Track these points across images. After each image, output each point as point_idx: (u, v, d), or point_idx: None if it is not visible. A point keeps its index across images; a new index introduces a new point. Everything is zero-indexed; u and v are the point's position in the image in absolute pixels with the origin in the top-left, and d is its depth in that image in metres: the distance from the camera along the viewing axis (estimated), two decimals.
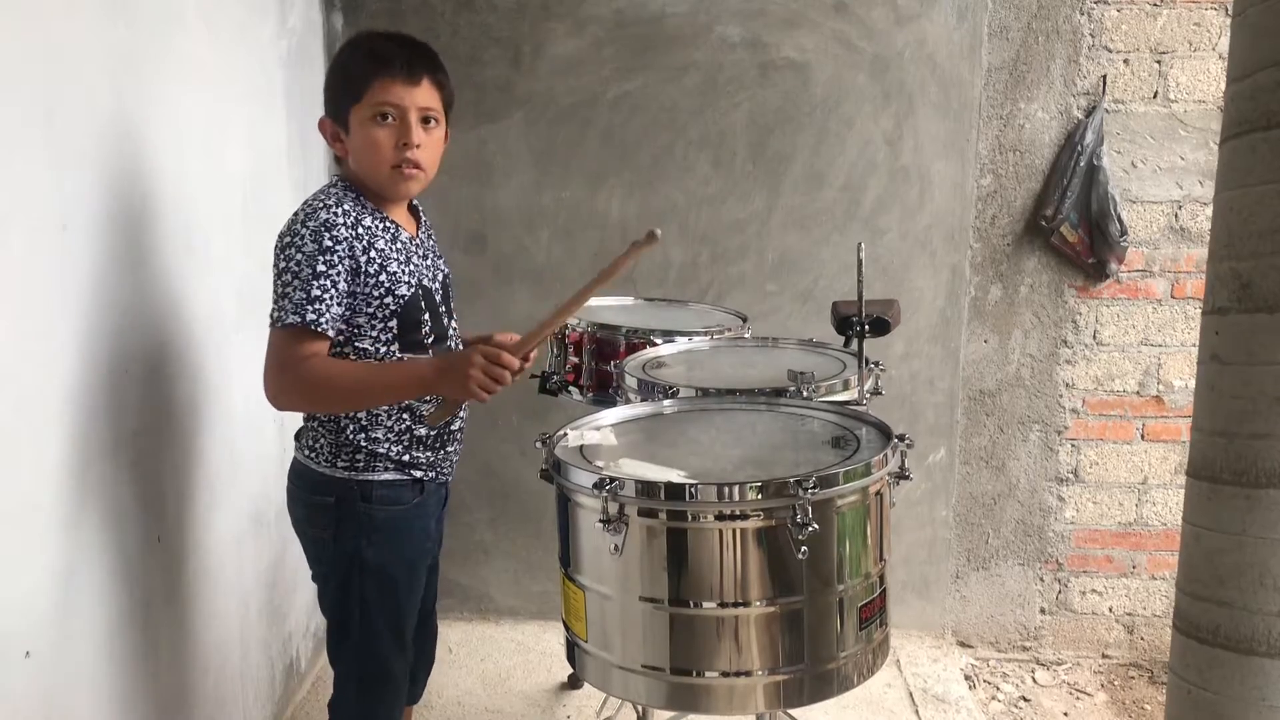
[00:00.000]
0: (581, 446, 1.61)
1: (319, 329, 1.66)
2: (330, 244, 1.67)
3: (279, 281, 1.69)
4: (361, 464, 1.78)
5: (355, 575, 1.80)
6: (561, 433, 1.65)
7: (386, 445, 1.79)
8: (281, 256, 1.69)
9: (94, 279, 1.69)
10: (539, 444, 1.58)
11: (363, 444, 1.77)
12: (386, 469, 1.80)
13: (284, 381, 1.68)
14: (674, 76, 2.98)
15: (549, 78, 3.00)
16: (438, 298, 1.86)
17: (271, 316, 1.68)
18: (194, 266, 2.08)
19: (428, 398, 1.80)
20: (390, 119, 1.73)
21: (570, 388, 2.35)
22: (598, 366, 2.29)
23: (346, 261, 1.68)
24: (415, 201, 1.94)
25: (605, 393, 2.24)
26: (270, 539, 2.56)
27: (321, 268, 1.66)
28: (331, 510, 1.79)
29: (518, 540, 3.24)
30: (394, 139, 1.73)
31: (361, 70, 1.73)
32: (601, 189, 3.04)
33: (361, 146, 1.75)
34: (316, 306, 1.65)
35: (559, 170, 3.04)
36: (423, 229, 1.92)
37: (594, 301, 2.63)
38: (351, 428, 1.78)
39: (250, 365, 2.37)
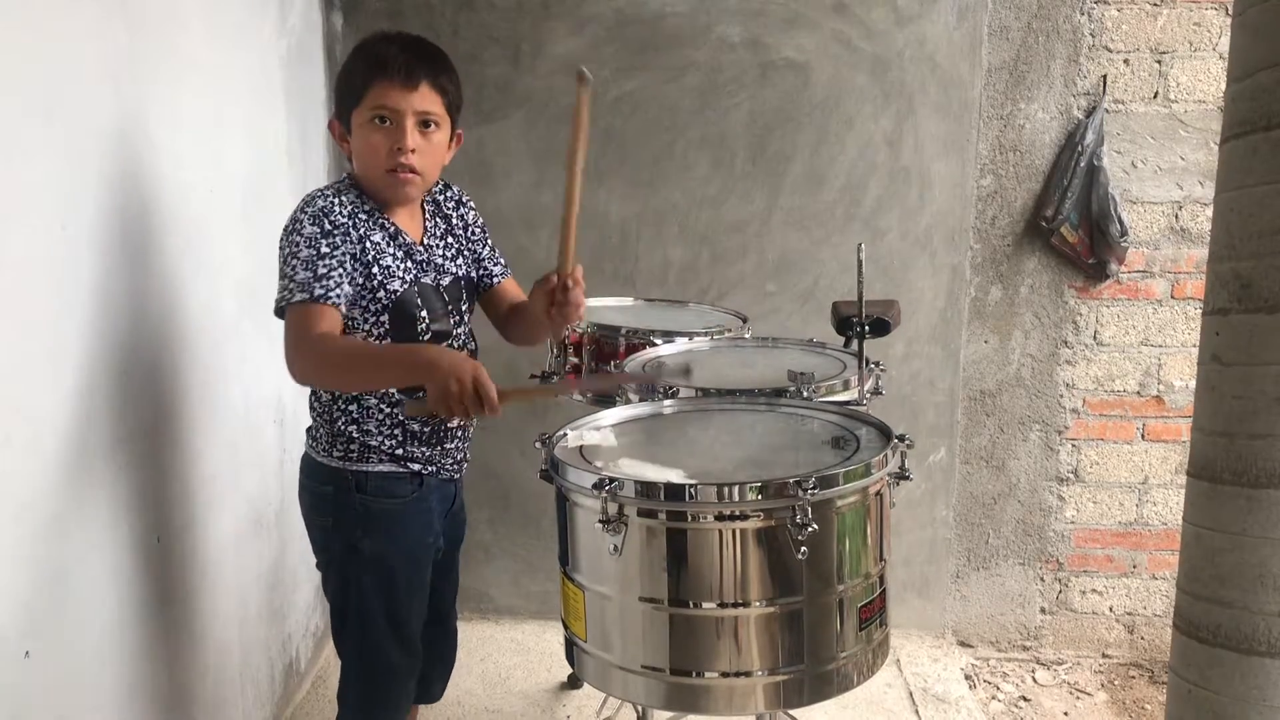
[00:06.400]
0: (581, 446, 1.61)
1: (328, 301, 1.65)
2: (330, 227, 1.69)
3: (285, 267, 1.69)
4: (355, 454, 1.80)
5: (352, 565, 1.82)
6: (561, 433, 1.65)
7: (379, 438, 1.80)
8: (285, 243, 1.71)
9: (93, 279, 1.69)
10: (539, 444, 1.58)
11: (355, 435, 1.79)
12: (381, 461, 1.81)
13: (303, 352, 1.66)
14: (674, 76, 2.98)
15: (549, 78, 3.00)
16: (445, 297, 1.86)
17: (277, 301, 1.69)
18: (194, 266, 2.08)
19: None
20: (387, 122, 1.73)
21: None
22: (598, 367, 2.29)
23: (346, 244, 1.70)
24: (435, 193, 1.94)
25: (605, 393, 2.24)
26: (270, 539, 2.56)
27: (325, 249, 1.67)
28: (330, 500, 1.82)
29: (518, 540, 3.24)
30: (389, 143, 1.73)
31: (361, 73, 1.74)
32: (601, 189, 3.04)
33: (359, 149, 1.77)
34: (324, 283, 1.66)
35: (559, 170, 3.03)
36: (429, 234, 1.89)
37: (593, 302, 2.65)
38: (343, 420, 1.80)
39: (250, 364, 2.38)
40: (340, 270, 1.68)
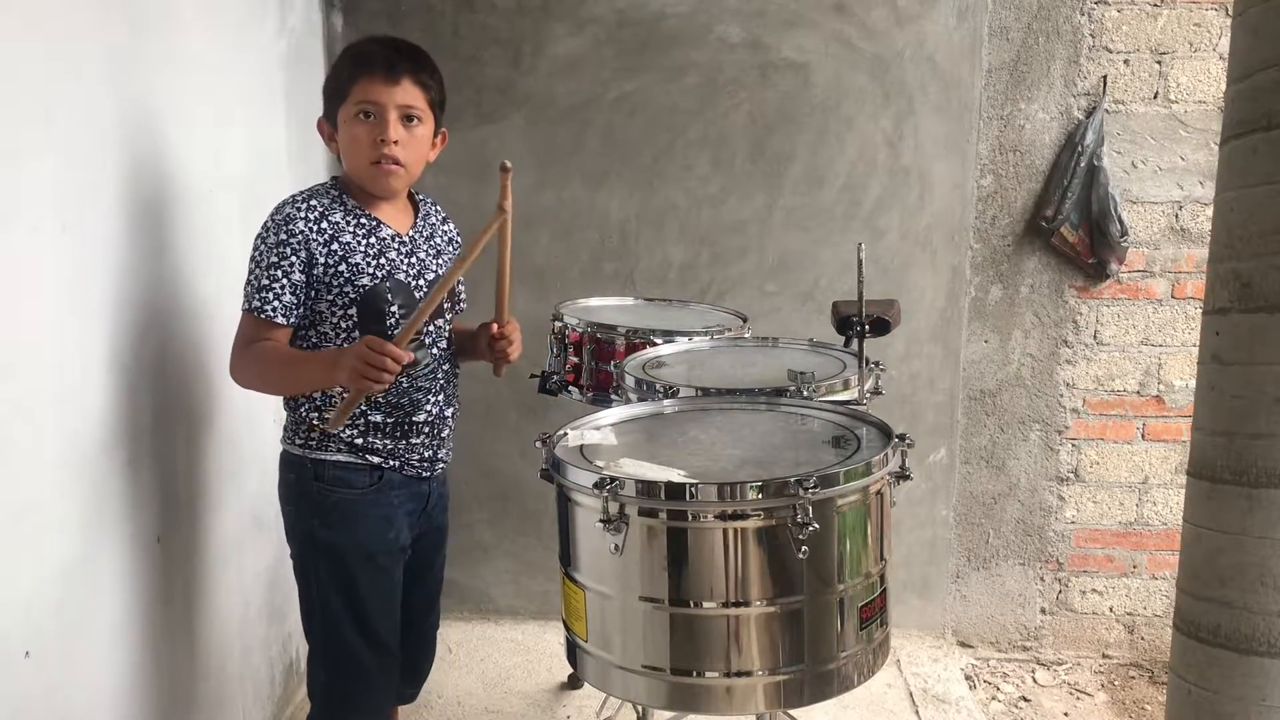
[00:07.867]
0: (581, 446, 1.61)
1: (264, 315, 1.77)
2: (285, 237, 1.77)
3: (248, 270, 1.81)
4: (315, 442, 1.85)
5: (310, 554, 1.87)
6: (561, 432, 1.65)
7: (339, 427, 1.83)
8: (253, 247, 1.82)
9: (93, 279, 1.69)
10: (539, 444, 1.58)
11: (315, 422, 1.84)
12: (339, 450, 1.85)
13: (235, 360, 1.82)
14: (674, 76, 2.98)
15: (549, 78, 3.00)
16: (418, 294, 1.89)
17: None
18: (194, 266, 2.08)
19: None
20: (370, 117, 1.81)
21: (570, 388, 2.35)
22: (598, 366, 2.29)
23: (301, 254, 1.78)
24: (427, 203, 2.01)
25: (605, 393, 2.24)
26: (270, 539, 2.55)
27: (275, 259, 1.77)
28: (293, 487, 1.87)
29: (518, 540, 3.24)
30: (372, 136, 1.81)
31: (346, 71, 1.83)
32: (601, 189, 3.04)
33: (345, 144, 1.85)
34: (264, 295, 1.77)
35: (559, 170, 3.04)
36: (416, 228, 1.95)
37: (593, 302, 2.65)
38: (305, 406, 1.85)
39: None
40: (285, 281, 1.77)
